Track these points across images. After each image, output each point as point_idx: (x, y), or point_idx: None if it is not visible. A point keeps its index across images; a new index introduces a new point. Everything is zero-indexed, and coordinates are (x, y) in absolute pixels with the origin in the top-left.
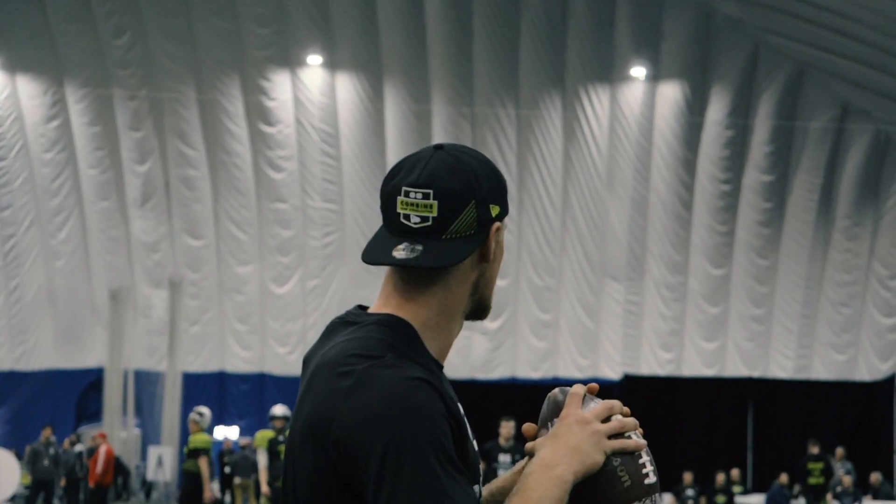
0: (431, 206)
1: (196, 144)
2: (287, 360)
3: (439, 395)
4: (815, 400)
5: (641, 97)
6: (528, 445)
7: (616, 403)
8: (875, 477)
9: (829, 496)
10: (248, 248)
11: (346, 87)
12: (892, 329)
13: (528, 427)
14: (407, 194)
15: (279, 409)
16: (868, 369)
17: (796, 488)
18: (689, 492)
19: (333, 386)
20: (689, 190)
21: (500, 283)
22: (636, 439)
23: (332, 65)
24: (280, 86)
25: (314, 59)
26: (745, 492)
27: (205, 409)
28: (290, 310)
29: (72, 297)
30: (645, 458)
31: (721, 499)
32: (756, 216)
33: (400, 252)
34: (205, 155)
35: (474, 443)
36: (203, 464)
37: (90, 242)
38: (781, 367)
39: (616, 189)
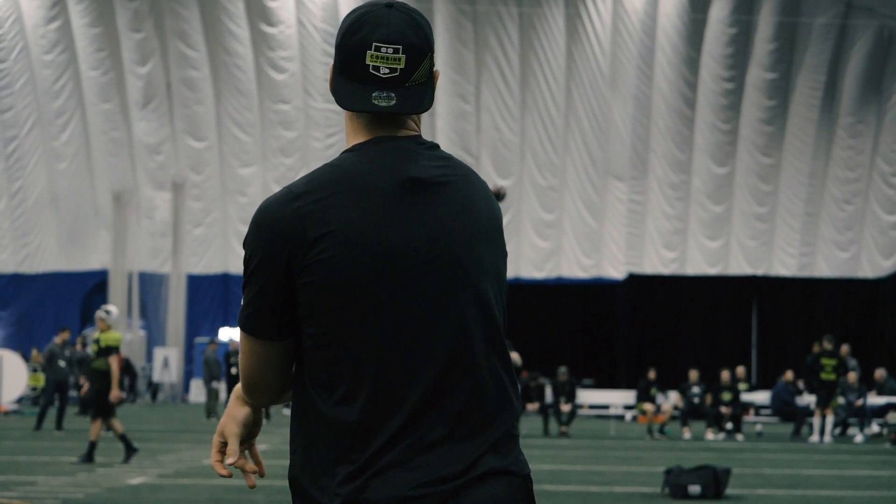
0: (400, 59)
1: (197, 45)
2: None
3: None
4: (818, 297)
5: None
6: None
7: None
8: (879, 373)
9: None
10: (251, 149)
11: None
12: (895, 226)
13: None
14: (378, 49)
15: None
16: (871, 266)
17: (800, 384)
18: (695, 389)
19: None
20: (692, 88)
21: (503, 182)
22: None
23: None
24: None
25: None
26: (751, 389)
27: (112, 307)
28: None
29: (75, 199)
30: None
31: (727, 396)
32: (759, 114)
33: (381, 101)
34: (206, 56)
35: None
36: (114, 362)
37: (92, 144)
38: (785, 264)
39: (619, 88)
